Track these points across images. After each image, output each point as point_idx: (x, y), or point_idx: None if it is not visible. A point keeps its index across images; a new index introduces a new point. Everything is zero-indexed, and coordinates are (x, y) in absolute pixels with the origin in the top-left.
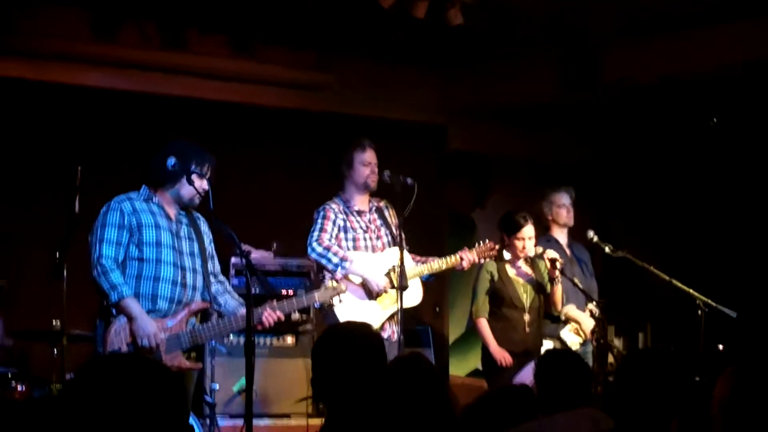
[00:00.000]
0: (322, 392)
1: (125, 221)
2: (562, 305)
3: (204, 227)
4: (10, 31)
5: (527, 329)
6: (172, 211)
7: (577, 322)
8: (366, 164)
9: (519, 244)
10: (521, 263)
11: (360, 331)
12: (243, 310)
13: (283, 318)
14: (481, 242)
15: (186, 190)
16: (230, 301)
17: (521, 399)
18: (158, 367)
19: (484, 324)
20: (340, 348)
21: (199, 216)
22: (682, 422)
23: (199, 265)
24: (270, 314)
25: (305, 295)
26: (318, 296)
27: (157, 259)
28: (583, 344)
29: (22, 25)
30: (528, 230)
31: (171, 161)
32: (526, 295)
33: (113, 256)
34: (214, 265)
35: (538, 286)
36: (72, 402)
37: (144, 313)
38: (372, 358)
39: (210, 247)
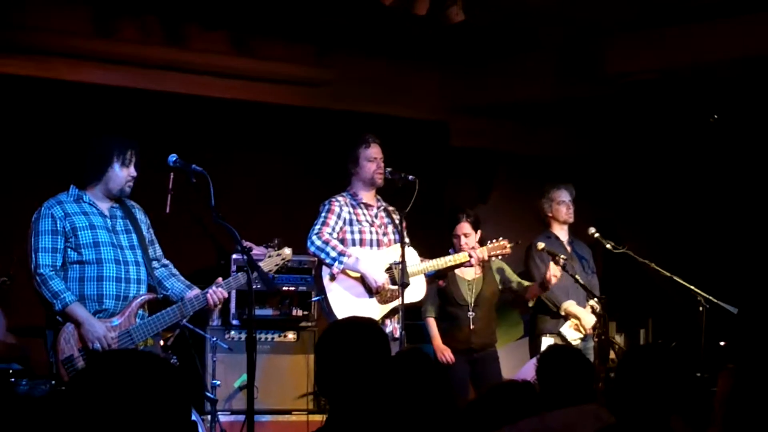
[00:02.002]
0: (326, 387)
1: (58, 226)
2: (562, 301)
3: (140, 215)
4: (9, 27)
5: (472, 326)
6: (104, 206)
7: (577, 318)
8: (371, 160)
9: (455, 241)
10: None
11: (364, 326)
12: (190, 293)
13: (227, 295)
14: (493, 240)
15: (113, 183)
16: (177, 284)
17: (523, 395)
18: (162, 362)
19: (430, 323)
20: (345, 343)
21: (134, 204)
22: (683, 418)
23: (141, 257)
24: (214, 292)
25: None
26: (262, 266)
27: (97, 259)
28: (584, 340)
29: (20, 21)
30: (462, 227)
31: (100, 155)
32: (471, 293)
33: (51, 264)
34: (156, 251)
35: (487, 283)
36: (77, 398)
37: (90, 316)
38: (376, 354)
39: (149, 234)
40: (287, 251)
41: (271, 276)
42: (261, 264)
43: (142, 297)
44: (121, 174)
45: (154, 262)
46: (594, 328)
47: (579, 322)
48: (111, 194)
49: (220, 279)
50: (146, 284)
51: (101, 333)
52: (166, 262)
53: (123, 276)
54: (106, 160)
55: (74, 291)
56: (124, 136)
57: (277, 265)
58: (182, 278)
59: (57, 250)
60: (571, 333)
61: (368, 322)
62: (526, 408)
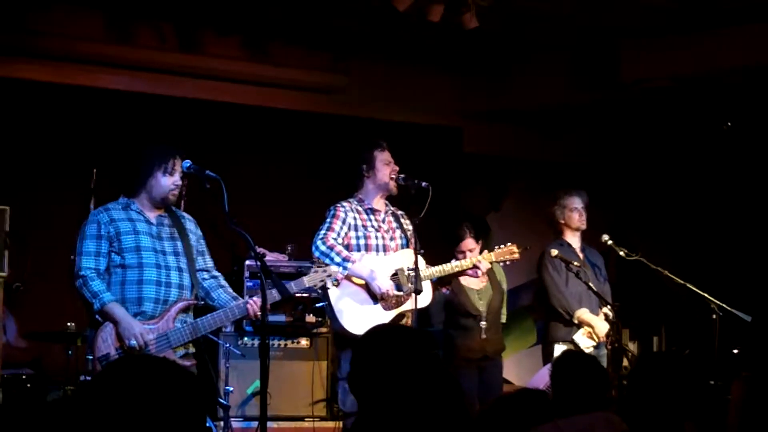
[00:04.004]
0: (360, 388)
1: (102, 231)
2: (576, 309)
3: (190, 225)
4: (25, 32)
5: (483, 335)
6: (152, 215)
7: (590, 325)
8: (387, 163)
9: (460, 256)
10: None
11: (410, 334)
12: (234, 303)
13: (269, 306)
14: (502, 245)
15: (156, 191)
16: (223, 294)
17: (535, 403)
18: (177, 368)
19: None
20: (390, 348)
21: (185, 215)
22: (696, 426)
23: (184, 264)
24: (254, 303)
25: (294, 281)
26: (307, 280)
27: (138, 263)
28: (597, 347)
29: (36, 26)
30: (468, 243)
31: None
32: (481, 302)
33: (93, 267)
34: (206, 261)
35: (494, 291)
36: (92, 402)
37: (127, 315)
38: (416, 362)
39: (198, 244)
40: (334, 268)
41: (310, 287)
42: (306, 278)
43: (182, 302)
44: (165, 182)
45: (204, 272)
46: (607, 335)
47: (592, 329)
48: (156, 202)
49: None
50: (189, 290)
51: (138, 330)
52: (216, 273)
53: (163, 280)
54: (149, 169)
55: (116, 294)
56: (167, 144)
57: (322, 281)
58: (230, 289)
59: (100, 254)
60: (584, 341)
61: (413, 331)
62: (539, 416)
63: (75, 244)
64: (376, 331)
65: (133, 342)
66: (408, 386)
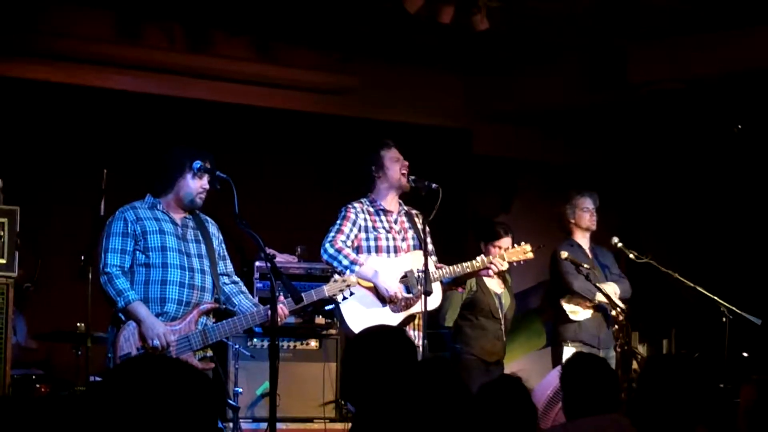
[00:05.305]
0: (352, 393)
1: (128, 229)
2: (595, 293)
3: (212, 229)
4: (34, 33)
5: (503, 338)
6: (177, 216)
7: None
8: (396, 160)
9: (494, 251)
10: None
11: (393, 334)
12: (255, 309)
13: (287, 312)
14: (515, 245)
15: (184, 192)
16: (244, 301)
17: (514, 391)
18: (189, 368)
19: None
20: (373, 351)
21: (208, 219)
22: (708, 429)
23: (208, 267)
24: (279, 309)
25: (314, 289)
26: (327, 289)
27: (163, 263)
28: (606, 349)
29: (45, 27)
30: (505, 242)
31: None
32: (501, 306)
33: (118, 264)
34: (227, 266)
35: (511, 296)
36: (103, 402)
37: (151, 315)
38: (404, 362)
39: (220, 249)
40: (353, 279)
41: (330, 296)
42: (326, 287)
43: (204, 305)
44: (193, 185)
45: (224, 277)
46: (620, 306)
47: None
48: (183, 204)
49: (281, 296)
50: (211, 293)
51: (161, 330)
52: (237, 279)
53: (187, 282)
54: (179, 170)
55: (139, 293)
56: (198, 148)
57: (341, 290)
58: (250, 296)
59: (126, 251)
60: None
61: (396, 330)
62: (518, 403)
63: (85, 244)
64: (360, 337)
65: (156, 342)
66: (395, 388)
